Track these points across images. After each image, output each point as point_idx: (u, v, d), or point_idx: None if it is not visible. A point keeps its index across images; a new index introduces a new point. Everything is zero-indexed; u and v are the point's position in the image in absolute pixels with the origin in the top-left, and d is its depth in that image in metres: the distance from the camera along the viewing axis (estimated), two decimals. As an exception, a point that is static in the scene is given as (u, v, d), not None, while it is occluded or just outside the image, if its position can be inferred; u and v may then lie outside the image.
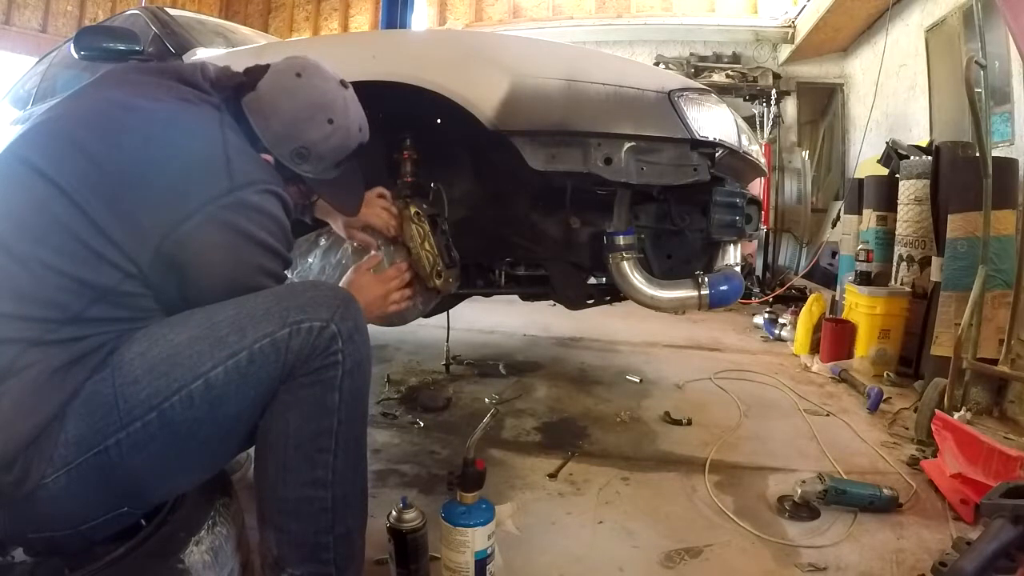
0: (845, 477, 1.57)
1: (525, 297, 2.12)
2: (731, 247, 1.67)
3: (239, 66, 1.04)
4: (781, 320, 3.38)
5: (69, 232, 0.77)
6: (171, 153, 0.82)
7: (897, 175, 2.97)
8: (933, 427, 1.72)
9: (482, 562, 1.08)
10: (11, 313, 0.75)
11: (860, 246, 2.89)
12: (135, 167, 0.80)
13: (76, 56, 1.84)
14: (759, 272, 5.22)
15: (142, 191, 0.80)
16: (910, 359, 2.64)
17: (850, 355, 2.69)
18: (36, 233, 0.77)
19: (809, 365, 2.77)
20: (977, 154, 2.01)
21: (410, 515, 1.09)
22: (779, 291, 4.51)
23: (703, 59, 5.74)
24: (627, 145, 1.40)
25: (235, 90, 0.98)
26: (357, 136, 1.06)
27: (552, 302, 2.03)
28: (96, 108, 0.87)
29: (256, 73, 0.99)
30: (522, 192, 1.66)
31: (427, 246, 1.34)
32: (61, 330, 0.76)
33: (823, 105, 5.68)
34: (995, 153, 2.15)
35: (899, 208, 2.87)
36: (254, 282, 0.88)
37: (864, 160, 3.98)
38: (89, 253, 0.77)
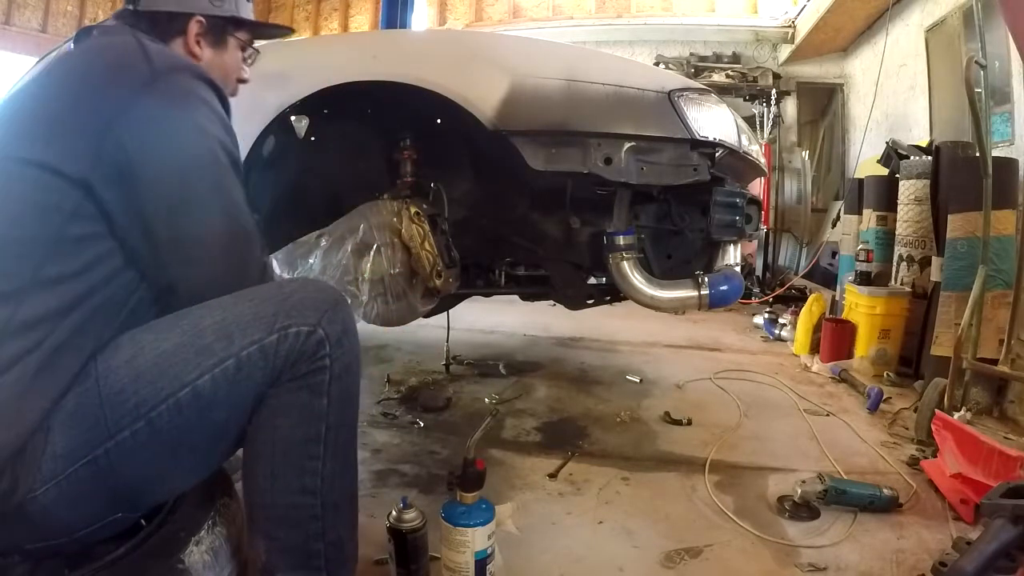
0: (845, 477, 1.57)
1: (525, 297, 2.13)
2: (731, 247, 1.67)
3: None
4: (781, 320, 3.37)
5: (15, 193, 0.76)
6: (93, 63, 0.86)
7: (897, 175, 2.97)
8: (933, 427, 1.72)
9: (482, 562, 1.08)
10: None
11: (860, 246, 2.88)
12: (64, 84, 0.84)
13: (76, 56, 1.83)
14: (759, 272, 5.22)
15: (71, 96, 0.81)
16: (910, 359, 2.63)
17: (850, 355, 2.69)
18: None
19: (809, 365, 2.77)
20: (977, 154, 2.01)
21: (410, 515, 1.09)
22: (779, 291, 4.50)
23: (703, 59, 5.73)
24: (627, 145, 1.40)
25: (131, 14, 0.98)
26: None
27: (552, 302, 2.03)
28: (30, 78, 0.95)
29: None
30: (522, 192, 1.66)
31: (427, 246, 1.34)
32: (23, 303, 0.74)
33: (823, 105, 5.67)
34: (995, 153, 2.15)
35: (899, 208, 2.86)
36: (210, 177, 0.85)
37: (864, 160, 3.98)
38: (33, 206, 0.76)
